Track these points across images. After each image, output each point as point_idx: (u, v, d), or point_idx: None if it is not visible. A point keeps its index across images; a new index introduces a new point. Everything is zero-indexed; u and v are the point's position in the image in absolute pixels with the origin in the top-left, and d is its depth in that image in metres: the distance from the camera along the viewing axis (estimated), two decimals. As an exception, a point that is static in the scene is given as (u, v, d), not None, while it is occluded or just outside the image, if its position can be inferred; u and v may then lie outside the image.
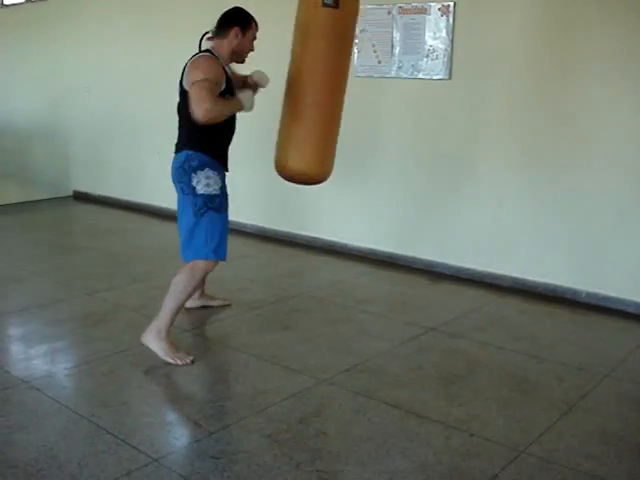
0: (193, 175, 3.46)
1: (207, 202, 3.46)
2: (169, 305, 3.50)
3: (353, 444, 2.76)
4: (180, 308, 3.55)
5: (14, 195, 7.44)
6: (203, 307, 4.27)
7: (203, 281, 3.88)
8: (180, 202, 3.58)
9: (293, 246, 5.77)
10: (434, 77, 4.84)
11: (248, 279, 4.81)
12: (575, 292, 4.50)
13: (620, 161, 4.19)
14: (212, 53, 3.48)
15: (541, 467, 2.61)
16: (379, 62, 5.10)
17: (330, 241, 5.69)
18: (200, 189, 3.45)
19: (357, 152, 5.25)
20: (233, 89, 3.51)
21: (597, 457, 2.69)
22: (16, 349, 3.72)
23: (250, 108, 3.48)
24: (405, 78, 5.00)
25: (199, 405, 3.09)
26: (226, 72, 3.46)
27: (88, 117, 7.56)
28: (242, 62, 3.63)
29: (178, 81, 3.52)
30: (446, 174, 4.97)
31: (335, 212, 5.64)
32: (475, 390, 3.25)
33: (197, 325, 3.98)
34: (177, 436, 2.84)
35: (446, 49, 4.75)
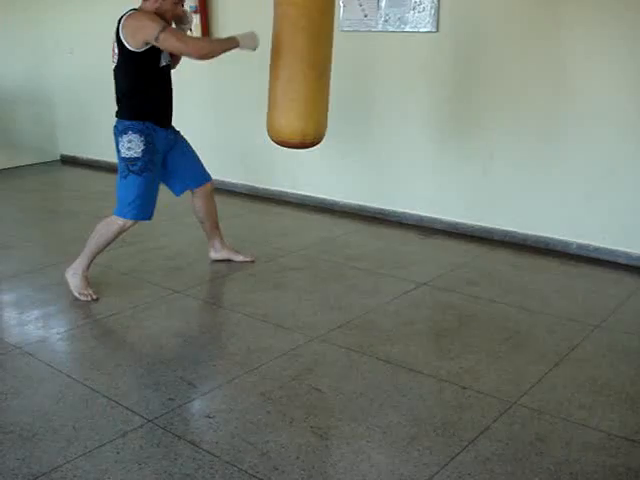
0: (119, 139, 3.68)
1: (128, 165, 3.67)
2: (88, 248, 3.85)
3: (346, 400, 2.78)
4: (97, 252, 3.86)
5: (0, 161, 7.36)
6: (228, 260, 4.37)
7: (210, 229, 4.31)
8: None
9: (283, 205, 5.75)
10: (421, 30, 4.78)
11: (236, 239, 4.79)
12: (566, 244, 4.50)
13: (610, 113, 4.16)
14: (140, 10, 3.60)
15: (533, 418, 2.64)
16: (365, 16, 5.02)
17: (320, 199, 5.67)
18: (123, 152, 3.67)
19: (344, 108, 5.19)
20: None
21: (588, 407, 2.72)
22: (7, 315, 3.71)
23: (255, 44, 3.63)
24: (392, 32, 4.93)
25: (192, 365, 3.10)
26: None
27: (73, 79, 7.45)
28: (170, 22, 3.64)
29: (113, 44, 3.63)
30: (435, 128, 4.94)
31: (325, 169, 5.61)
32: (467, 344, 3.27)
33: (189, 286, 3.98)
34: (171, 397, 2.85)
35: (433, 1, 4.67)
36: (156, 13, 3.54)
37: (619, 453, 2.43)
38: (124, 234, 3.90)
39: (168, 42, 3.45)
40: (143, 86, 3.62)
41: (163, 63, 3.67)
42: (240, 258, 4.38)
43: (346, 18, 5.10)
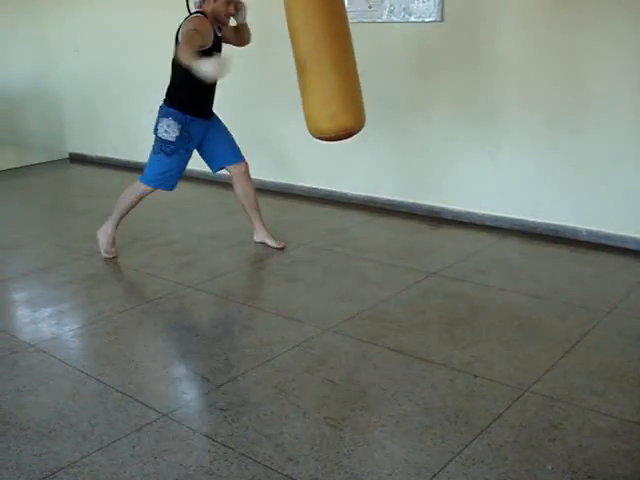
0: (160, 120, 4.12)
1: (161, 145, 4.13)
2: (116, 209, 4.38)
3: (359, 390, 2.79)
4: (123, 213, 4.37)
5: (9, 161, 7.37)
6: (264, 244, 4.56)
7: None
8: None
9: (292, 198, 5.76)
10: (426, 20, 4.77)
11: (248, 232, 4.81)
12: (575, 231, 4.50)
13: (618, 98, 4.15)
14: (204, 14, 3.95)
15: (545, 405, 2.65)
16: (370, 7, 5.01)
17: (329, 191, 5.68)
18: (160, 133, 4.11)
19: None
20: (219, 47, 4.03)
21: (600, 393, 2.72)
22: (21, 313, 3.74)
23: (211, 73, 3.54)
24: (397, 22, 4.92)
25: (205, 359, 3.12)
26: (214, 32, 3.96)
27: (80, 78, 7.47)
28: (225, 23, 4.09)
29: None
30: (442, 118, 4.93)
31: (332, 161, 5.61)
32: (478, 332, 3.27)
33: (201, 281, 3.99)
34: (185, 390, 2.87)
35: (437, -10, 4.66)
36: (212, 14, 3.96)
37: (632, 438, 2.43)
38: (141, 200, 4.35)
39: (180, 39, 3.82)
40: (189, 82, 3.86)
41: None
42: (273, 244, 4.53)
43: (350, 10, 5.08)
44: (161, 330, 3.42)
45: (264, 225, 4.57)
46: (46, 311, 3.68)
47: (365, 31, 5.05)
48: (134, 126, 7.02)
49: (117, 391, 2.83)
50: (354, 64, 3.68)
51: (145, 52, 6.55)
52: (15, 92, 7.49)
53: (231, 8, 4.01)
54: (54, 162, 7.75)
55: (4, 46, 7.43)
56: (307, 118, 3.67)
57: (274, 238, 4.54)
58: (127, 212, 4.38)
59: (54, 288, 3.99)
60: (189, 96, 4.09)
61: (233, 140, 4.41)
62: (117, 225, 4.41)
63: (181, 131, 4.09)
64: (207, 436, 2.52)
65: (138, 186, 4.29)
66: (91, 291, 3.93)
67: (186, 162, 4.26)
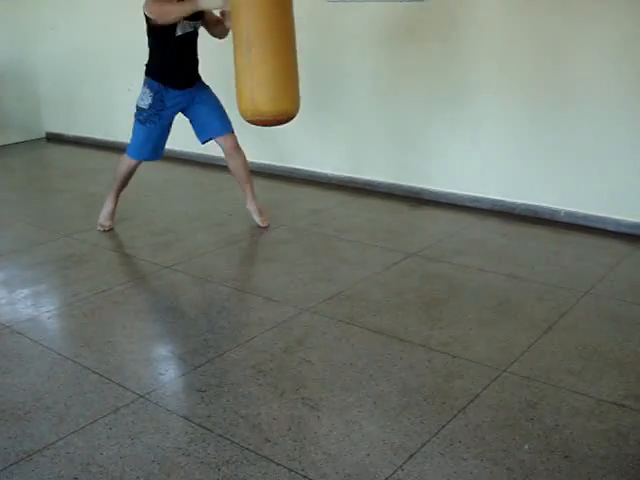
0: (141, 90, 4.19)
1: (137, 113, 4.22)
2: (113, 182, 4.50)
3: (337, 370, 2.79)
4: (119, 185, 4.48)
5: (-16, 140, 7.29)
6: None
7: None
8: None
9: (273, 178, 5.73)
10: (407, -1, 4.74)
11: (227, 213, 4.79)
12: (554, 212, 4.51)
13: (597, 80, 4.14)
14: None
15: (522, 385, 2.66)
16: (350, -15, 4.96)
17: (310, 171, 5.65)
18: (137, 101, 4.21)
19: (332, 79, 5.17)
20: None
21: (577, 373, 2.74)
22: (-4, 294, 3.71)
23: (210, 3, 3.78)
24: (378, 1, 4.88)
25: (183, 340, 3.10)
26: None
27: (56, 56, 7.36)
28: None
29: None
30: (422, 99, 4.91)
31: (313, 142, 5.58)
32: (456, 313, 3.28)
33: (178, 262, 3.97)
34: (162, 372, 2.85)
35: (418, -31, 4.63)
36: None
37: (608, 418, 2.45)
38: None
39: (146, 6, 3.91)
40: (159, 51, 4.10)
41: (179, 32, 4.01)
42: (257, 220, 4.53)
43: (331, -12, 5.04)
44: (138, 311, 3.39)
45: (254, 200, 4.54)
46: (22, 292, 3.64)
47: (344, 11, 5.02)
48: (112, 105, 6.94)
49: (94, 372, 2.81)
50: (295, 46, 3.60)
51: (123, 30, 6.45)
52: (-11, 70, 7.38)
53: None
54: (31, 142, 7.65)
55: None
56: (243, 99, 3.54)
57: (260, 215, 4.52)
58: (122, 185, 4.47)
59: (30, 269, 3.95)
60: (161, 65, 4.13)
61: (220, 111, 4.36)
62: (115, 198, 4.50)
63: (153, 99, 4.13)
64: (184, 417, 2.50)
65: (124, 158, 4.39)
66: (68, 272, 3.89)
67: (162, 131, 4.25)
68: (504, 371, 2.75)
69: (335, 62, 5.13)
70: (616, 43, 4.04)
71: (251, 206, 4.55)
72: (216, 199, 5.16)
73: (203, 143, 4.48)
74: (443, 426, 2.42)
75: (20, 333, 3.17)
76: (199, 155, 6.08)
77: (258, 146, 5.87)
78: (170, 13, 3.86)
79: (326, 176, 5.55)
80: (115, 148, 6.79)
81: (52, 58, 7.41)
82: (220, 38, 4.23)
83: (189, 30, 4.06)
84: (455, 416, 2.47)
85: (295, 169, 5.73)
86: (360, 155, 5.37)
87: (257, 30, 3.44)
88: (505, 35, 4.43)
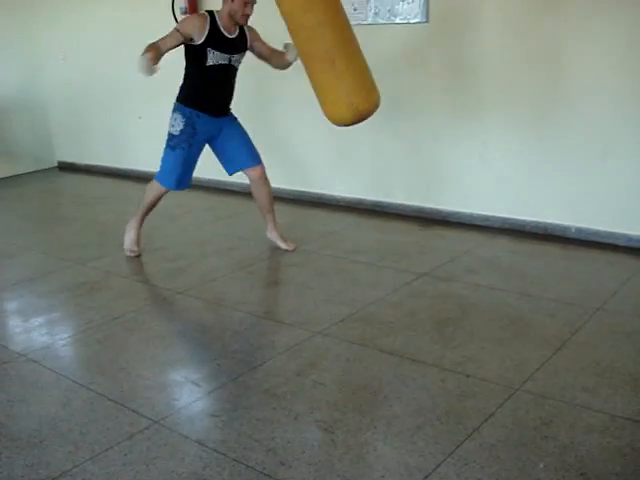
0: (171, 115, 4.26)
1: (168, 139, 4.26)
2: (140, 205, 4.51)
3: (350, 393, 2.79)
4: (147, 209, 4.51)
5: (-2, 171, 7.37)
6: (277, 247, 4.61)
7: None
8: None
9: (281, 201, 5.73)
10: (411, 21, 4.78)
11: (238, 237, 4.81)
12: (564, 228, 4.51)
13: (604, 95, 4.16)
14: (210, 12, 4.07)
15: (536, 403, 2.65)
16: (355, 9, 5.02)
17: (318, 194, 5.68)
18: (169, 127, 4.26)
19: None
20: (220, 46, 4.06)
21: (591, 389, 2.73)
22: (11, 323, 3.73)
23: (140, 69, 3.85)
24: (382, 24, 4.93)
25: (196, 365, 3.12)
26: (214, 30, 4.02)
27: (67, 86, 7.45)
28: (242, 24, 4.13)
29: None
30: (429, 119, 4.94)
31: (321, 164, 5.62)
32: (469, 332, 3.28)
33: (190, 287, 3.99)
34: (176, 397, 2.86)
35: (422, -8, 4.68)
36: (229, 14, 4.05)
37: (624, 434, 2.44)
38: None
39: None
40: (195, 77, 4.18)
41: (210, 63, 4.08)
42: (283, 246, 4.57)
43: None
44: (152, 337, 3.40)
45: (275, 228, 4.60)
46: (37, 320, 3.67)
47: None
48: (123, 133, 7.01)
49: (108, 399, 2.82)
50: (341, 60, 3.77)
51: (133, 60, 6.50)
52: (2, 101, 7.47)
53: (248, 9, 4.04)
54: (43, 171, 7.73)
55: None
56: (341, 108, 3.71)
57: (284, 241, 4.57)
58: (148, 211, 4.53)
59: (44, 297, 3.98)
60: (195, 91, 4.20)
61: (249, 143, 4.43)
62: (140, 224, 4.56)
63: (185, 125, 4.19)
64: (199, 442, 2.51)
65: (153, 184, 4.43)
66: (81, 299, 3.92)
67: (191, 159, 4.30)
68: (518, 389, 2.75)
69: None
70: (622, 59, 4.06)
71: (272, 234, 4.61)
72: (226, 224, 5.19)
73: (231, 174, 4.51)
74: (458, 446, 2.41)
75: (35, 361, 3.19)
76: (209, 180, 6.12)
77: (266, 169, 5.91)
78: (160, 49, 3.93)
79: (334, 198, 5.57)
80: (126, 176, 6.87)
81: (63, 87, 7.50)
82: (282, 69, 4.37)
83: (222, 62, 4.11)
84: (469, 436, 2.47)
85: (304, 192, 5.75)
86: (368, 176, 5.39)
87: (335, 42, 3.67)
88: (509, 55, 4.46)
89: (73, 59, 7.26)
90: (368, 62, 5.02)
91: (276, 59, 4.31)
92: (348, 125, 3.84)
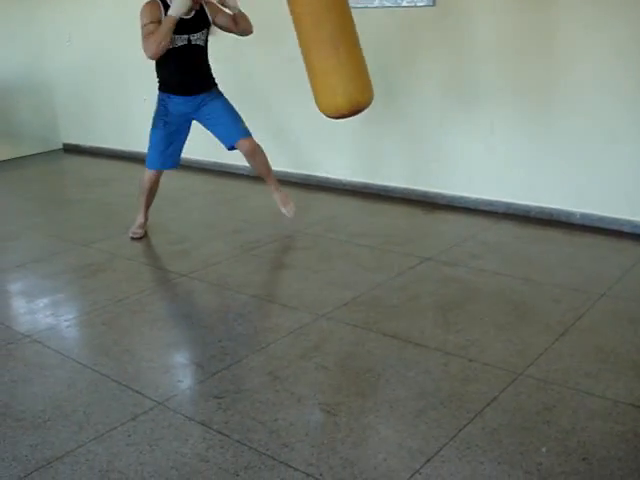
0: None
1: (152, 121, 4.38)
2: (139, 195, 4.59)
3: (353, 376, 2.80)
4: (144, 198, 4.56)
5: (3, 152, 7.32)
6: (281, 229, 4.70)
7: None
8: None
9: (288, 185, 5.71)
10: (418, 4, 4.75)
11: (242, 220, 4.81)
12: (569, 214, 4.50)
13: (610, 80, 4.14)
14: None
15: (539, 387, 2.66)
16: (362, -8, 4.99)
17: (324, 177, 5.67)
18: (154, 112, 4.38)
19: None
20: (175, 28, 4.05)
21: (594, 375, 2.73)
22: (16, 304, 3.75)
23: (179, 8, 3.96)
24: (388, 7, 4.90)
25: (200, 347, 3.13)
26: (165, 7, 4.06)
27: (73, 68, 7.42)
28: (193, 5, 4.10)
29: None
30: (436, 104, 4.91)
31: (328, 148, 5.60)
32: (472, 316, 3.28)
33: (195, 269, 3.99)
34: (180, 379, 2.88)
35: (429, -25, 4.64)
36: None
37: (626, 420, 2.44)
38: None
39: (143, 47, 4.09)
40: (159, 62, 4.24)
41: (178, 44, 4.13)
42: (283, 211, 4.72)
43: (342, -5, 5.06)
44: (156, 319, 3.42)
45: (277, 189, 4.74)
46: (41, 302, 3.68)
47: (357, 16, 5.02)
48: (128, 116, 7.00)
49: (112, 380, 2.84)
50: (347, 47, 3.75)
51: (138, 42, 6.50)
52: (8, 83, 7.45)
53: None
54: (48, 153, 7.72)
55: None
56: (339, 96, 3.67)
57: (285, 205, 4.71)
58: (148, 197, 4.56)
59: (49, 278, 3.99)
60: (163, 75, 4.33)
61: (234, 117, 4.44)
62: (145, 211, 4.61)
63: (159, 105, 4.35)
64: (202, 424, 2.52)
65: (145, 170, 4.52)
66: (86, 281, 3.93)
67: (169, 138, 4.38)
68: (521, 374, 2.75)
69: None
70: (628, 45, 4.03)
71: (275, 195, 4.74)
72: (231, 207, 5.19)
73: (229, 150, 4.57)
74: (460, 430, 2.42)
75: (39, 342, 3.21)
76: (214, 164, 6.11)
77: (272, 153, 5.88)
78: (156, 43, 4.01)
79: (340, 182, 5.57)
80: (131, 158, 6.86)
81: (68, 69, 7.48)
82: (245, 35, 4.37)
83: (181, 44, 4.15)
84: (472, 420, 2.47)
85: (309, 175, 5.74)
86: (374, 160, 5.38)
87: (341, 28, 3.66)
88: (517, 39, 4.43)
89: (79, 41, 7.23)
90: (376, 45, 5.05)
91: (238, 26, 4.29)
92: (341, 116, 3.79)
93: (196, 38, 4.20)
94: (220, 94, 4.44)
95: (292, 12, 3.68)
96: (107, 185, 6.16)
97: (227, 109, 4.44)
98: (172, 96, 4.30)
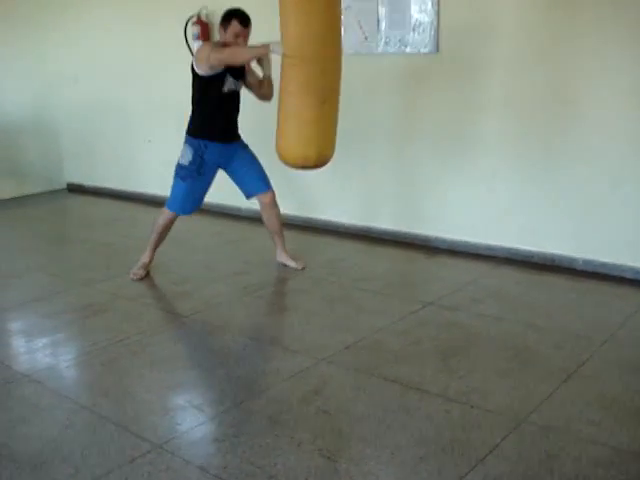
0: (182, 148, 4.34)
1: (178, 170, 4.35)
2: (151, 236, 4.57)
3: (354, 421, 2.77)
4: (157, 239, 4.56)
5: (7, 191, 7.38)
6: (284, 265, 4.71)
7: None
8: None
9: (289, 228, 5.72)
10: (422, 51, 4.81)
11: (244, 262, 4.81)
12: (572, 260, 4.50)
13: (612, 128, 4.17)
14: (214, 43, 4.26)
15: (542, 435, 2.63)
16: (365, 38, 5.06)
17: (326, 221, 5.68)
18: (179, 158, 4.35)
19: (348, 130, 5.20)
20: (233, 71, 4.16)
21: (597, 423, 2.70)
22: (16, 343, 3.73)
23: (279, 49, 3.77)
24: (392, 53, 4.97)
25: (200, 390, 3.11)
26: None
27: (78, 108, 7.50)
28: None
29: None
30: (438, 148, 4.95)
31: (330, 192, 5.63)
32: (474, 362, 3.26)
33: (196, 311, 3.98)
34: (179, 421, 2.85)
35: (432, 22, 4.71)
36: (224, 45, 4.12)
37: (630, 469, 2.41)
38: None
39: (213, 56, 4.01)
40: (203, 107, 4.28)
41: (226, 90, 4.20)
42: (293, 265, 4.68)
43: (347, 41, 5.13)
44: (156, 361, 3.40)
45: (284, 251, 4.72)
46: (41, 341, 3.66)
47: (361, 62, 5.10)
48: (132, 156, 7.05)
49: (111, 422, 2.81)
50: (334, 103, 3.90)
51: (143, 83, 6.59)
52: (14, 122, 7.53)
53: (239, 41, 4.11)
54: (52, 192, 7.77)
55: (3, 76, 7.48)
56: (312, 147, 3.78)
57: (295, 260, 4.68)
58: (160, 238, 4.57)
59: (50, 318, 3.98)
60: (205, 120, 4.30)
61: (260, 169, 4.54)
62: (153, 252, 4.60)
63: (194, 156, 4.28)
64: (201, 468, 2.49)
65: (163, 211, 4.51)
66: (86, 321, 3.92)
67: (202, 188, 4.41)
68: (523, 421, 2.72)
69: (351, 112, 5.18)
70: (631, 93, 4.07)
71: (282, 257, 4.71)
72: (234, 248, 5.19)
73: (248, 199, 4.65)
74: (461, 477, 2.39)
75: (38, 382, 3.19)
76: (217, 205, 6.14)
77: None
78: (242, 53, 4.08)
79: (342, 225, 5.58)
80: (134, 198, 6.90)
81: (73, 110, 7.55)
82: (265, 100, 4.40)
83: (233, 88, 4.24)
84: (473, 467, 2.44)
85: (311, 219, 5.76)
86: (376, 204, 5.40)
87: (332, 86, 3.78)
88: (519, 84, 4.48)
89: (85, 82, 7.32)
90: (379, 91, 5.12)
91: (263, 89, 4.36)
92: (304, 167, 3.96)
93: (240, 85, 4.31)
94: (245, 144, 4.53)
95: (285, 56, 3.70)
96: (109, 225, 6.18)
97: (256, 159, 4.53)
98: (210, 143, 4.29)
